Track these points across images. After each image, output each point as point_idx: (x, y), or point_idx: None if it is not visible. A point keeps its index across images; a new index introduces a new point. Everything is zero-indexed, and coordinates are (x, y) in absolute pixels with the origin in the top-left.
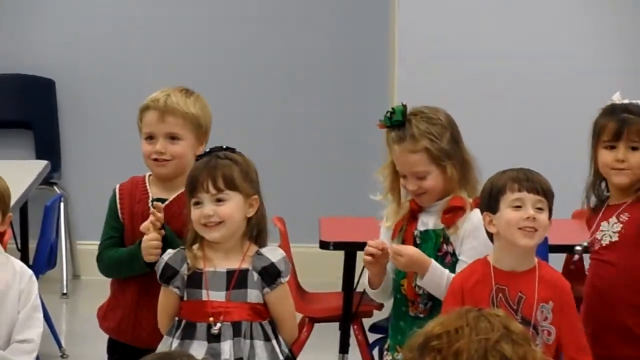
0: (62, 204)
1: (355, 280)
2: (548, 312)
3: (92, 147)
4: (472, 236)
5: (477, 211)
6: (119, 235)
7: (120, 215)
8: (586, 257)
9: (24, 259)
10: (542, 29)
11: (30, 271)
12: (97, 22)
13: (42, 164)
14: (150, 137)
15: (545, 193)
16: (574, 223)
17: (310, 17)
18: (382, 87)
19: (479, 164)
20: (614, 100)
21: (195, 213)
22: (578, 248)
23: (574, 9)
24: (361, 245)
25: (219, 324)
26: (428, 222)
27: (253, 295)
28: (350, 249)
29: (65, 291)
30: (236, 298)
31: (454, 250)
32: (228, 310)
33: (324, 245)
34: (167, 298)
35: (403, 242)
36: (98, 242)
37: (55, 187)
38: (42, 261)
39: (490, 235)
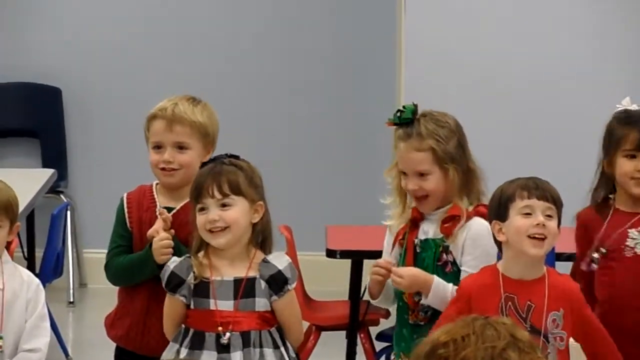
0: (68, 213)
1: (362, 289)
2: (559, 319)
3: (99, 155)
4: (472, 246)
5: (477, 220)
6: (127, 244)
7: (128, 223)
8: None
9: (31, 267)
10: (548, 32)
11: (37, 280)
12: (103, 30)
13: (49, 172)
14: (158, 147)
15: (555, 201)
16: None
17: (315, 22)
18: (389, 95)
19: (486, 167)
20: (624, 105)
21: (200, 219)
22: (596, 255)
23: (579, 11)
24: (368, 254)
25: (228, 334)
26: (428, 230)
27: (261, 303)
28: (357, 257)
29: (72, 300)
30: (244, 307)
31: (454, 260)
32: (237, 320)
33: (330, 253)
34: (173, 306)
35: (405, 250)
36: (105, 251)
37: (62, 196)
38: (48, 270)
39: (499, 245)
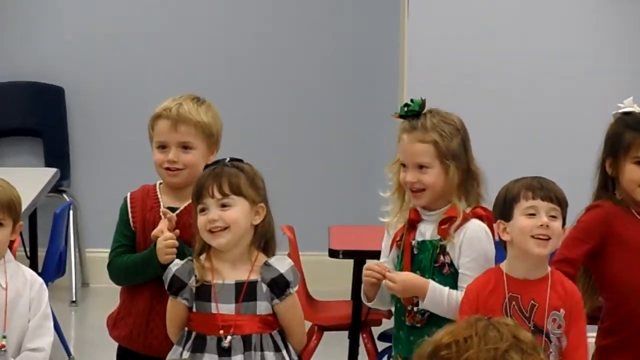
0: (71, 212)
1: None
2: (560, 319)
3: (101, 154)
4: (470, 248)
5: (474, 221)
6: (130, 243)
7: (131, 223)
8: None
9: (33, 266)
10: (550, 34)
11: (40, 279)
12: (106, 29)
13: (52, 171)
14: (163, 146)
15: (560, 202)
16: None
17: (318, 23)
18: (391, 96)
19: (487, 169)
20: (625, 105)
21: (201, 219)
22: None
23: (581, 13)
24: (370, 254)
25: (229, 337)
26: (426, 232)
27: (262, 307)
28: (360, 258)
29: (74, 299)
30: (246, 311)
31: (451, 261)
32: (238, 323)
33: (333, 253)
34: (175, 309)
35: (402, 252)
36: (107, 250)
37: (65, 195)
38: (51, 269)
39: (504, 244)
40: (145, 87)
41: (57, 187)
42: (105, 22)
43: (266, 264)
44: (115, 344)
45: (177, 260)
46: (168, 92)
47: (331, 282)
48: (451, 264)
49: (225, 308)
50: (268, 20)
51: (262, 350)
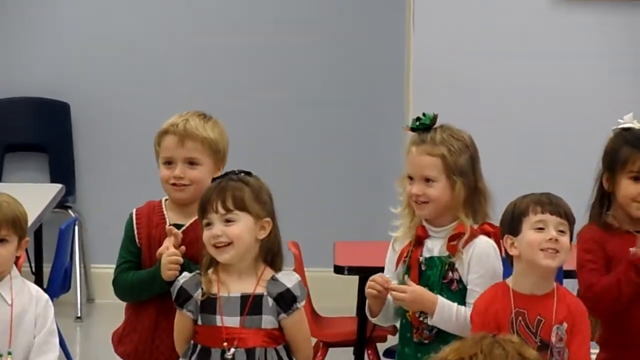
0: (76, 228)
1: None
2: (563, 333)
3: (107, 170)
4: (479, 265)
5: (482, 238)
6: (135, 260)
7: (137, 239)
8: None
9: (38, 282)
10: (558, 48)
11: (46, 296)
12: (112, 45)
13: (57, 187)
14: (169, 162)
15: (568, 217)
16: None
17: (324, 38)
18: (398, 113)
19: (492, 183)
20: (625, 121)
21: (205, 234)
22: None
23: (589, 28)
24: (376, 270)
25: (232, 350)
26: (433, 248)
27: (268, 321)
28: (365, 274)
29: (79, 315)
30: (250, 324)
31: (460, 278)
32: (242, 336)
33: (338, 269)
34: (181, 321)
35: (408, 269)
36: (112, 266)
37: (70, 211)
38: (56, 285)
39: (511, 259)
40: (150, 103)
41: (62, 203)
42: (111, 38)
43: (273, 279)
44: None
45: (185, 273)
46: (174, 108)
47: (336, 298)
48: (460, 281)
49: (230, 321)
50: (273, 33)
51: None
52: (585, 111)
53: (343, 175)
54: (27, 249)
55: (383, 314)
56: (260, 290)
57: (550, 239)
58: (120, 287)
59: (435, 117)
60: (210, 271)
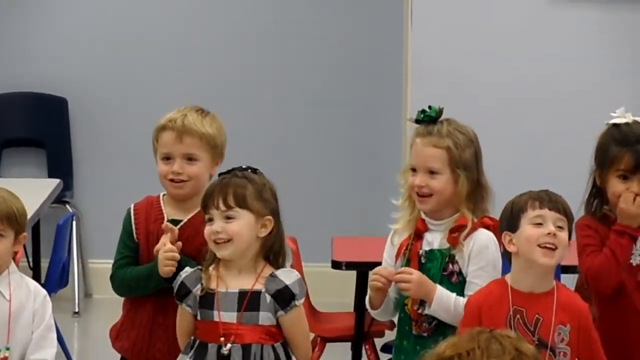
0: (74, 223)
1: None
2: (565, 334)
3: (105, 165)
4: (479, 257)
5: (483, 230)
6: (133, 255)
7: (135, 235)
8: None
9: (36, 277)
10: (558, 45)
11: (44, 291)
12: (109, 40)
13: (54, 182)
14: (167, 158)
15: (566, 213)
16: None
17: (322, 36)
18: (396, 110)
19: (491, 180)
20: (617, 115)
21: (206, 230)
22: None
23: (591, 26)
24: (373, 265)
25: (228, 345)
26: (433, 241)
27: (265, 317)
28: (363, 269)
29: (77, 310)
30: (247, 320)
31: (460, 270)
32: (239, 332)
33: (336, 265)
34: (182, 316)
35: (408, 262)
36: (110, 261)
37: (68, 206)
38: (54, 280)
39: (509, 257)
40: (148, 98)
41: (60, 198)
42: (109, 33)
43: (272, 276)
44: (118, 355)
45: (187, 268)
46: (172, 103)
47: (334, 294)
48: (460, 273)
49: (227, 316)
50: (272, 31)
51: None
52: (584, 109)
53: (341, 171)
54: (25, 244)
55: (384, 307)
56: (258, 286)
57: (549, 234)
58: (118, 283)
59: (441, 110)
60: (211, 267)
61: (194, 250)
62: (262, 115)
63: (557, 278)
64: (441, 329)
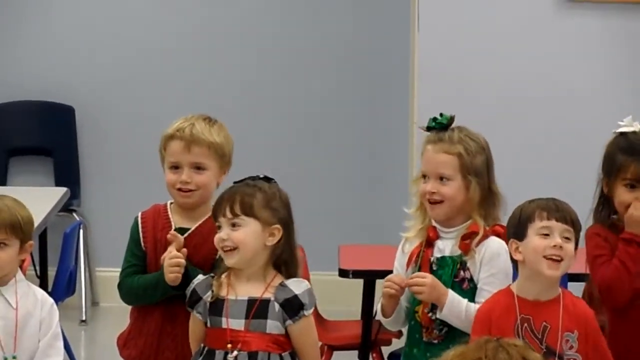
0: (81, 231)
1: (374, 309)
2: (573, 341)
3: (111, 174)
4: (490, 264)
5: (494, 238)
6: (140, 263)
7: (142, 243)
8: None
9: (43, 286)
10: (565, 48)
11: (51, 299)
12: (116, 49)
13: (62, 190)
14: (175, 167)
15: (574, 223)
16: None
17: (329, 40)
18: (403, 118)
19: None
20: (625, 124)
21: (216, 237)
22: None
23: (597, 30)
24: (380, 274)
25: (235, 352)
26: (444, 248)
27: (273, 326)
28: (370, 277)
29: (84, 318)
30: (255, 328)
31: (471, 276)
32: (246, 339)
33: (343, 273)
34: (193, 323)
35: (419, 269)
36: (117, 269)
37: (75, 214)
38: (61, 288)
39: (515, 264)
40: (155, 107)
41: (67, 207)
42: (116, 41)
43: (282, 285)
44: None
45: (200, 276)
46: (179, 111)
47: (341, 302)
48: (471, 279)
49: (235, 323)
50: (277, 34)
51: None
52: (588, 112)
53: (348, 178)
54: (32, 253)
55: (395, 315)
56: (267, 295)
57: (555, 246)
58: (126, 291)
59: (452, 118)
60: (224, 275)
61: (202, 259)
62: (269, 122)
63: (565, 286)
64: (451, 336)
